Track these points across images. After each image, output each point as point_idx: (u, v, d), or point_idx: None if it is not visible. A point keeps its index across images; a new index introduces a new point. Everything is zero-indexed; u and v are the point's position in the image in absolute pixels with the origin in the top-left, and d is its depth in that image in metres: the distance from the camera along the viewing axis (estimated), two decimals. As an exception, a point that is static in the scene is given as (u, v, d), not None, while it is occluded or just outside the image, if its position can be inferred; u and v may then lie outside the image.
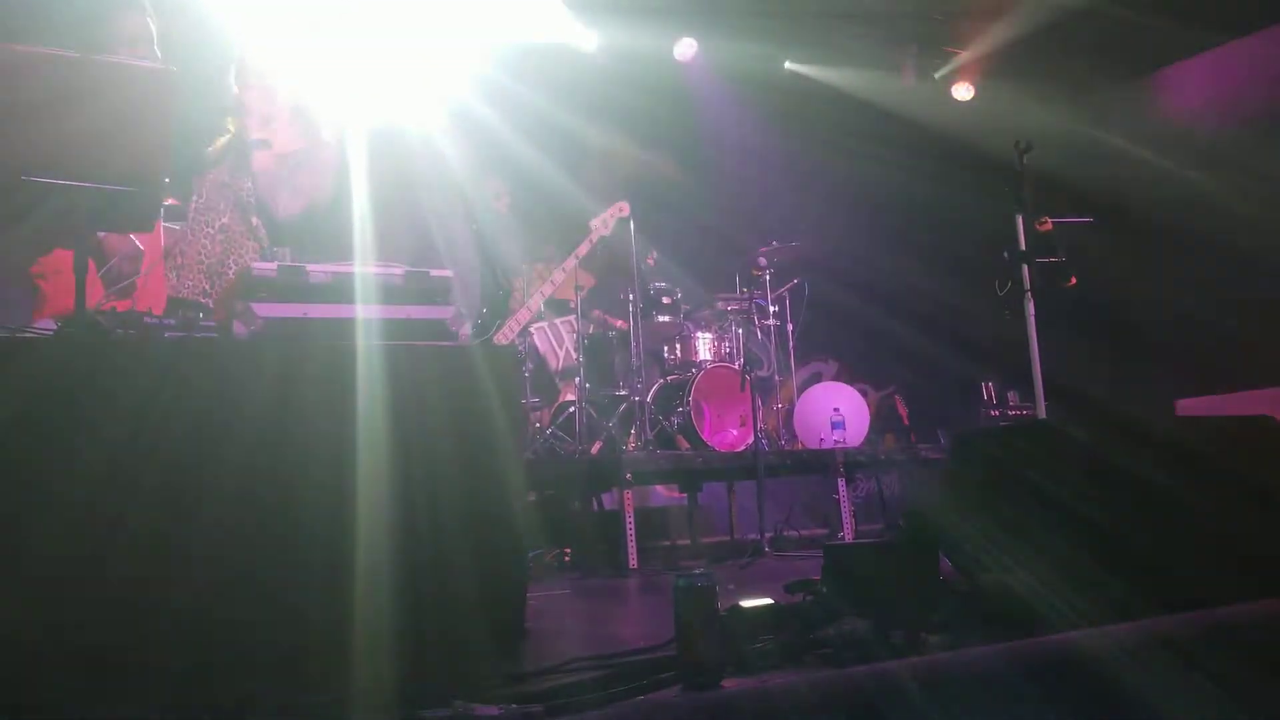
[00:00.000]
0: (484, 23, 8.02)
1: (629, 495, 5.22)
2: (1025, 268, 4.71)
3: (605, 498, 6.49)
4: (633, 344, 6.07)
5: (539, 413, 6.37)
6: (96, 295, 2.89)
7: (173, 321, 2.55)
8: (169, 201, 3.61)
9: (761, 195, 9.03)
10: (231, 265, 3.42)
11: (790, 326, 7.11)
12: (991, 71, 9.35)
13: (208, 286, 3.47)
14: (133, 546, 2.23)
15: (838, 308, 8.28)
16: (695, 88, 9.03)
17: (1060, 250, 4.68)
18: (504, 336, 5.32)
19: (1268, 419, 2.60)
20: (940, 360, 8.98)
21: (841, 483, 5.96)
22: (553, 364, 6.48)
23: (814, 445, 6.69)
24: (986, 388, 7.69)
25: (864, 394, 7.79)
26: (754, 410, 5.83)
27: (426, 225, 5.45)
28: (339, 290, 2.73)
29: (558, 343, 6.52)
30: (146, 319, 2.51)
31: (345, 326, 2.69)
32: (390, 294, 2.79)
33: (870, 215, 9.23)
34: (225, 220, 3.52)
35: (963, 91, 9.58)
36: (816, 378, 8.91)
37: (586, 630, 3.23)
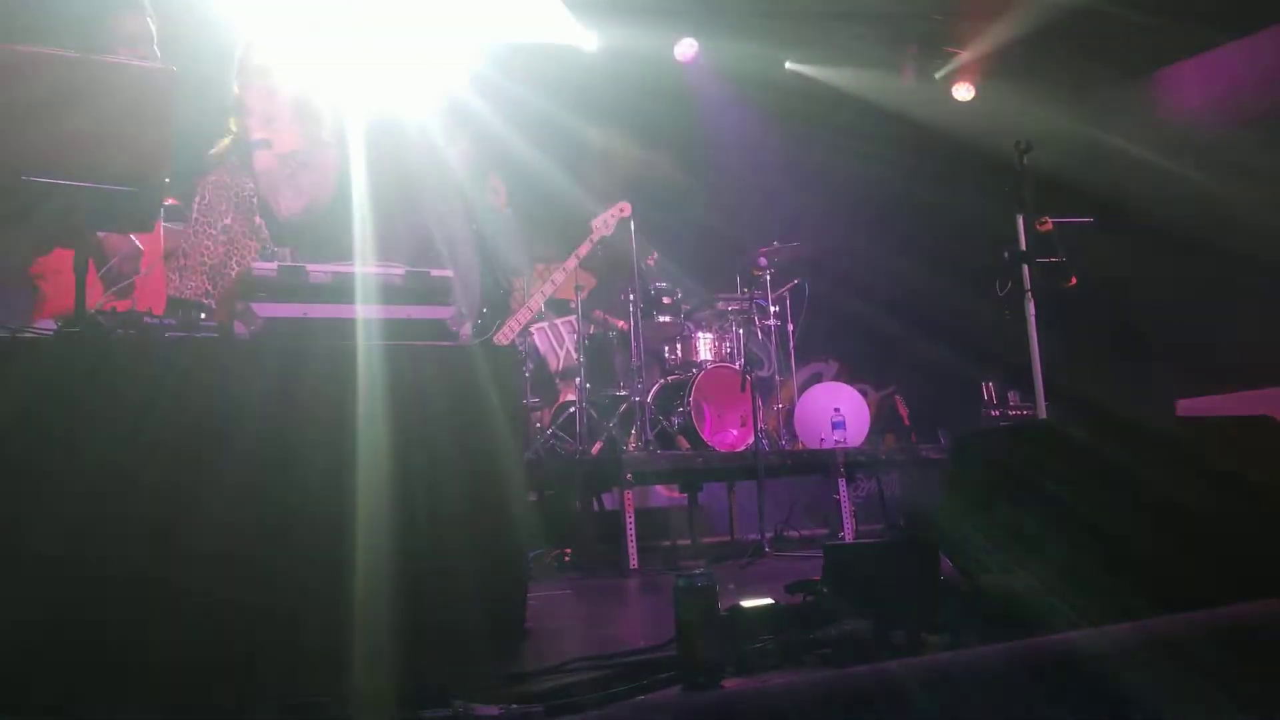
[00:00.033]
0: (484, 23, 8.02)
1: (629, 495, 5.22)
2: (1025, 268, 4.71)
3: (606, 498, 6.50)
4: (633, 344, 6.07)
5: (539, 413, 6.36)
6: (96, 295, 2.89)
7: (173, 321, 2.55)
8: (169, 202, 3.61)
9: (762, 195, 9.03)
10: (234, 266, 3.42)
11: (791, 327, 7.11)
12: (992, 72, 9.35)
13: (210, 287, 3.47)
14: (133, 546, 2.23)
15: (838, 308, 8.28)
16: (696, 88, 9.03)
17: (1060, 250, 4.68)
18: (504, 337, 5.31)
19: (1268, 419, 2.59)
20: (941, 360, 8.98)
21: (842, 483, 5.96)
22: (553, 364, 6.49)
23: (814, 445, 6.69)
24: (987, 388, 7.69)
25: (864, 394, 7.79)
26: (754, 410, 5.83)
27: (426, 225, 5.44)
28: (339, 290, 2.73)
29: (558, 343, 6.52)
30: (147, 319, 2.51)
31: (346, 326, 2.69)
32: (390, 294, 2.79)
33: (871, 215, 9.23)
34: (228, 221, 3.52)
35: (963, 92, 9.58)
36: (817, 378, 8.91)
37: (587, 630, 3.23)
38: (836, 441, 6.49)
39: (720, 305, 7.02)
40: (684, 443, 6.26)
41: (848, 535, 5.86)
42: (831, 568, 2.43)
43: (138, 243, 3.31)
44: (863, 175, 9.30)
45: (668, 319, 6.69)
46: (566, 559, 5.61)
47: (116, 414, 2.27)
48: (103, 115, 2.54)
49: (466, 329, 2.84)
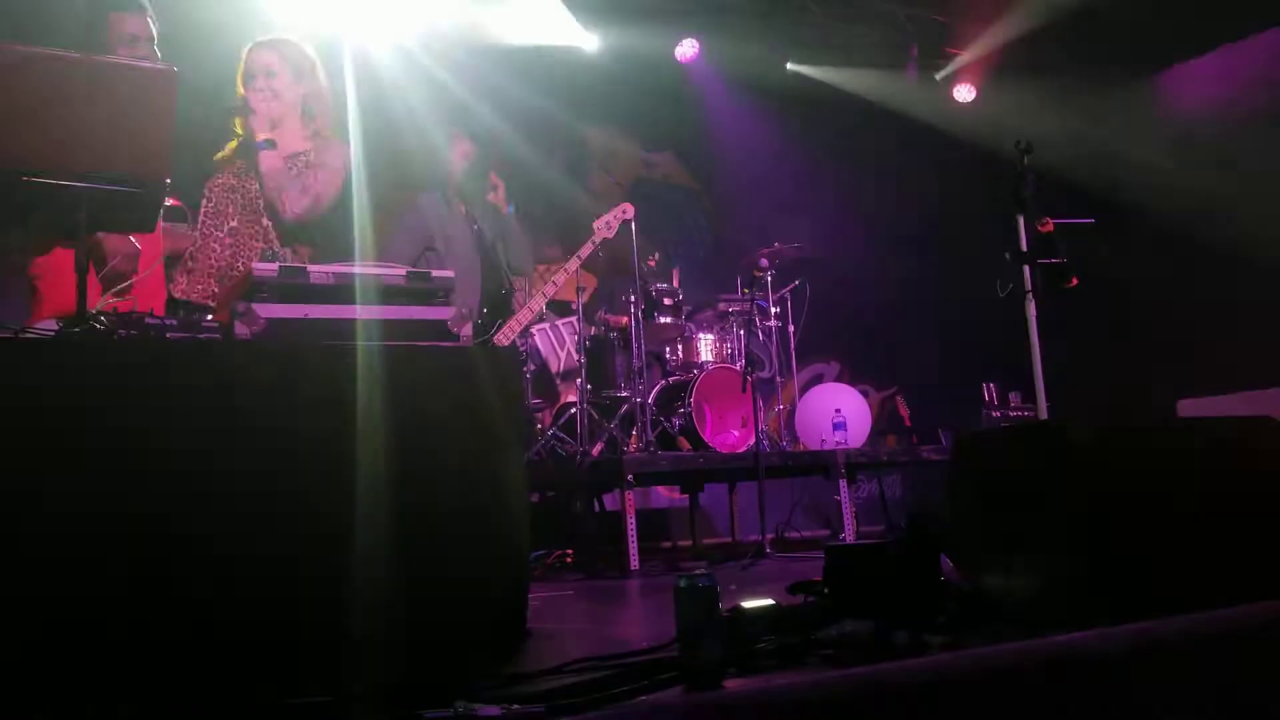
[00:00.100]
0: (485, 24, 8.03)
1: (630, 496, 5.22)
2: (1026, 269, 4.71)
3: (607, 499, 6.50)
4: (634, 345, 6.07)
5: (540, 414, 6.36)
6: (95, 296, 2.89)
7: (174, 322, 2.55)
8: (171, 202, 3.61)
9: (763, 196, 9.03)
10: (241, 267, 3.43)
11: (792, 328, 7.11)
12: (992, 73, 9.36)
13: (217, 289, 3.48)
14: (134, 547, 2.23)
15: (839, 309, 8.29)
16: (697, 88, 9.03)
17: (1061, 251, 4.68)
18: (505, 337, 5.32)
19: (1270, 420, 2.59)
20: (942, 361, 8.99)
21: (843, 484, 5.96)
22: (554, 365, 6.48)
23: (815, 446, 6.69)
24: (988, 389, 7.68)
25: (865, 395, 7.80)
26: (755, 411, 5.83)
27: (427, 225, 5.45)
28: (340, 291, 2.73)
29: (559, 344, 6.52)
30: (148, 319, 2.51)
31: (347, 327, 2.69)
32: (391, 295, 2.79)
33: (872, 216, 9.24)
34: (234, 223, 3.54)
35: (964, 93, 9.59)
36: (818, 379, 8.92)
37: (588, 631, 3.23)
38: (837, 442, 6.49)
39: (721, 306, 7.02)
40: (685, 444, 6.26)
41: (849, 536, 5.86)
42: (833, 569, 2.43)
43: (135, 242, 3.32)
44: (863, 176, 9.31)
45: (669, 320, 6.69)
46: (568, 560, 5.61)
47: (119, 414, 2.27)
48: (103, 115, 2.54)
49: (467, 329, 2.84)
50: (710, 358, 6.59)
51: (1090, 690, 1.70)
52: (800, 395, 7.39)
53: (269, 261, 2.70)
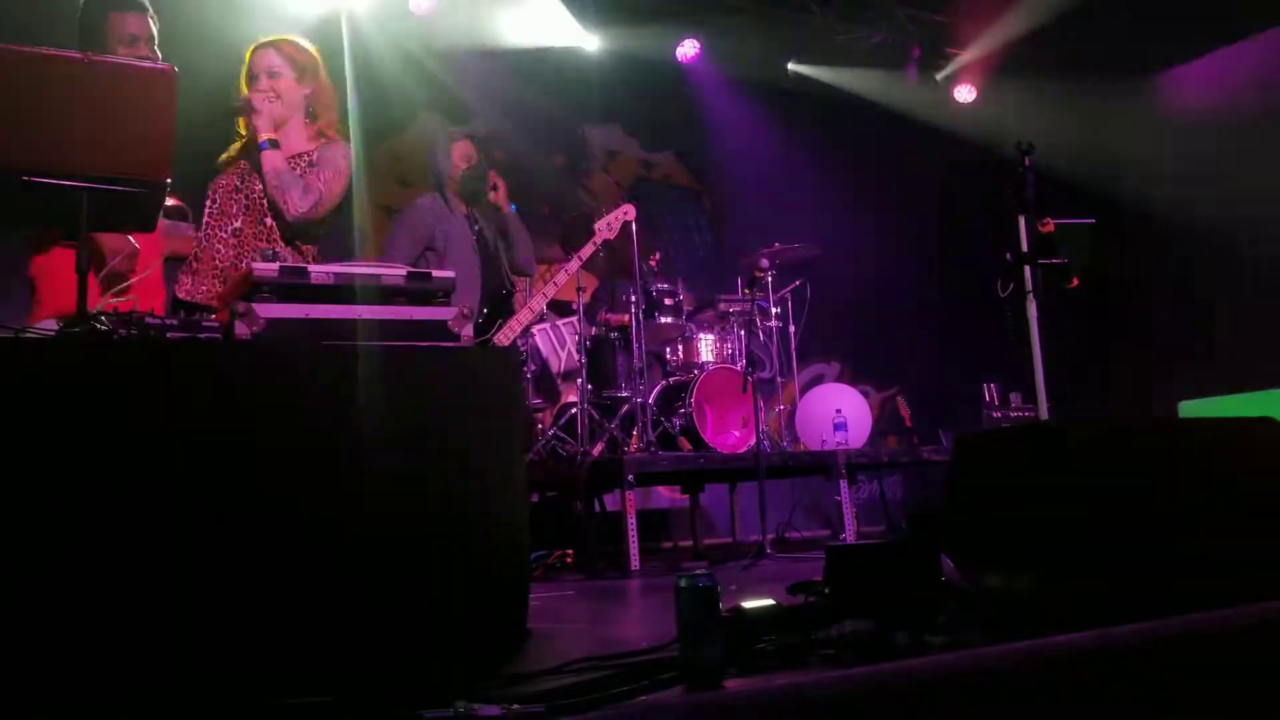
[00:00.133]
0: (486, 24, 8.03)
1: (631, 496, 5.22)
2: (1027, 269, 4.71)
3: (607, 499, 6.50)
4: (635, 345, 6.07)
5: (541, 414, 6.36)
6: (94, 296, 2.89)
7: (175, 322, 2.55)
8: (172, 202, 3.62)
9: (763, 196, 9.03)
10: (243, 268, 3.43)
11: (792, 328, 7.11)
12: (993, 73, 9.36)
13: (221, 291, 3.48)
14: (133, 548, 2.23)
15: (840, 309, 8.29)
16: (697, 88, 9.04)
17: (1062, 252, 4.68)
18: (505, 337, 5.31)
19: (1271, 421, 2.59)
20: (943, 362, 9.00)
21: (843, 484, 5.96)
22: (555, 365, 6.48)
23: (816, 447, 6.69)
24: (989, 389, 7.68)
25: (866, 395, 7.80)
26: (756, 412, 5.84)
27: (427, 225, 5.45)
28: (341, 291, 2.73)
29: (559, 344, 6.52)
30: (148, 319, 2.51)
31: (347, 327, 2.69)
32: (392, 295, 2.79)
33: (872, 216, 9.24)
34: (238, 224, 3.54)
35: (964, 93, 9.60)
36: (819, 379, 8.93)
37: (588, 631, 3.23)
38: (838, 443, 6.49)
39: (722, 306, 7.02)
40: (685, 444, 6.26)
41: (849, 536, 5.86)
42: (833, 569, 2.43)
43: (134, 243, 3.31)
44: (864, 176, 9.31)
45: (669, 320, 6.69)
46: (568, 560, 5.61)
47: (120, 414, 2.27)
48: (104, 115, 2.54)
49: (468, 330, 2.84)
50: (711, 358, 6.60)
51: (1091, 690, 1.70)
52: (801, 396, 7.39)
53: (269, 261, 2.70)
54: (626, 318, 6.25)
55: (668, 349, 6.74)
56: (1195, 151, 8.76)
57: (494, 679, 1.99)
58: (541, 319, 6.15)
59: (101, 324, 2.48)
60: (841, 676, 1.60)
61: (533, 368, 6.19)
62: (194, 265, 3.55)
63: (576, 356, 6.07)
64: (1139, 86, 9.44)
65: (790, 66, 9.32)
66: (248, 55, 3.65)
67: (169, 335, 2.52)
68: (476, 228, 5.55)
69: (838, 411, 6.72)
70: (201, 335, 2.56)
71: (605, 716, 1.57)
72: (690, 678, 1.81)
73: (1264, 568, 2.28)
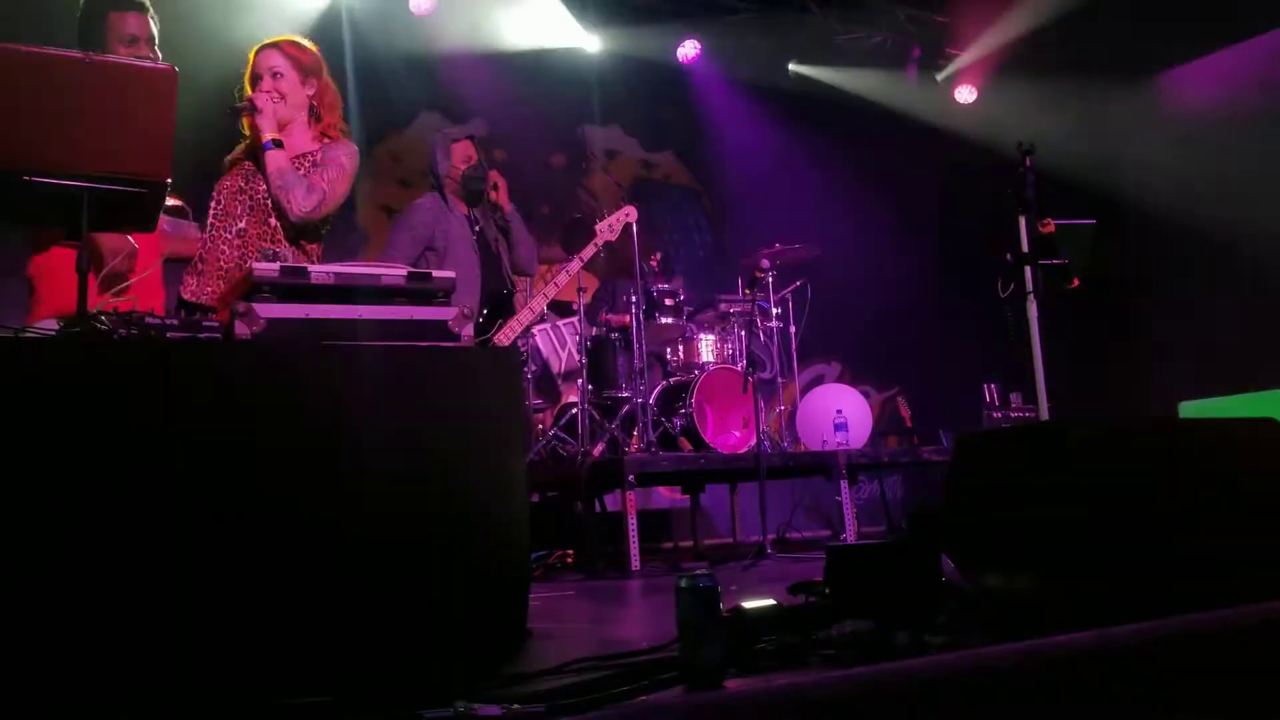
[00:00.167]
0: (488, 25, 8.04)
1: (631, 497, 5.22)
2: (1028, 269, 4.70)
3: (608, 499, 6.50)
4: (635, 346, 6.07)
5: (542, 414, 6.37)
6: (93, 296, 2.89)
7: (175, 322, 2.55)
8: (172, 202, 3.61)
9: (763, 196, 9.04)
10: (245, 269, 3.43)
11: (793, 328, 7.11)
12: (994, 73, 9.36)
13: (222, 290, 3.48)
14: (134, 548, 2.23)
15: (841, 310, 8.29)
16: (698, 88, 9.04)
17: (1063, 252, 4.67)
18: (505, 337, 5.31)
19: (1272, 421, 2.59)
20: (943, 362, 9.00)
21: (844, 484, 5.96)
22: (555, 366, 6.49)
23: (816, 447, 6.69)
24: (989, 390, 7.68)
25: (867, 396, 7.80)
26: (756, 412, 5.83)
27: (427, 225, 5.44)
28: (341, 291, 2.73)
29: (560, 344, 6.52)
30: (148, 319, 2.51)
31: (348, 327, 2.69)
32: (392, 295, 2.79)
33: (873, 217, 9.24)
34: (243, 225, 3.54)
35: (965, 94, 9.60)
36: (819, 379, 8.93)
37: (589, 631, 3.23)
38: (839, 443, 6.49)
39: (723, 307, 7.02)
40: (686, 444, 6.27)
41: (850, 537, 5.86)
42: (834, 569, 2.43)
43: (133, 242, 3.31)
44: (865, 176, 9.32)
45: (670, 320, 6.69)
46: (568, 560, 5.61)
47: (122, 414, 2.27)
48: (104, 115, 2.54)
49: (468, 330, 2.84)
50: (711, 358, 6.60)
51: (1091, 690, 1.70)
52: (801, 396, 7.39)
53: (270, 261, 2.70)
54: (628, 319, 6.25)
55: (668, 349, 6.74)
56: (1196, 152, 8.76)
57: (494, 679, 1.99)
58: (542, 319, 6.15)
59: (102, 324, 2.48)
60: (842, 676, 1.60)
61: (533, 368, 6.20)
62: (199, 266, 3.56)
63: (577, 357, 6.07)
64: (1140, 87, 9.44)
65: (791, 67, 9.33)
66: (251, 56, 3.65)
67: (169, 335, 2.52)
68: (477, 228, 5.55)
69: (838, 412, 6.72)
70: (202, 335, 2.56)
71: (605, 716, 1.57)
72: (690, 678, 1.81)
73: (1264, 568, 2.28)
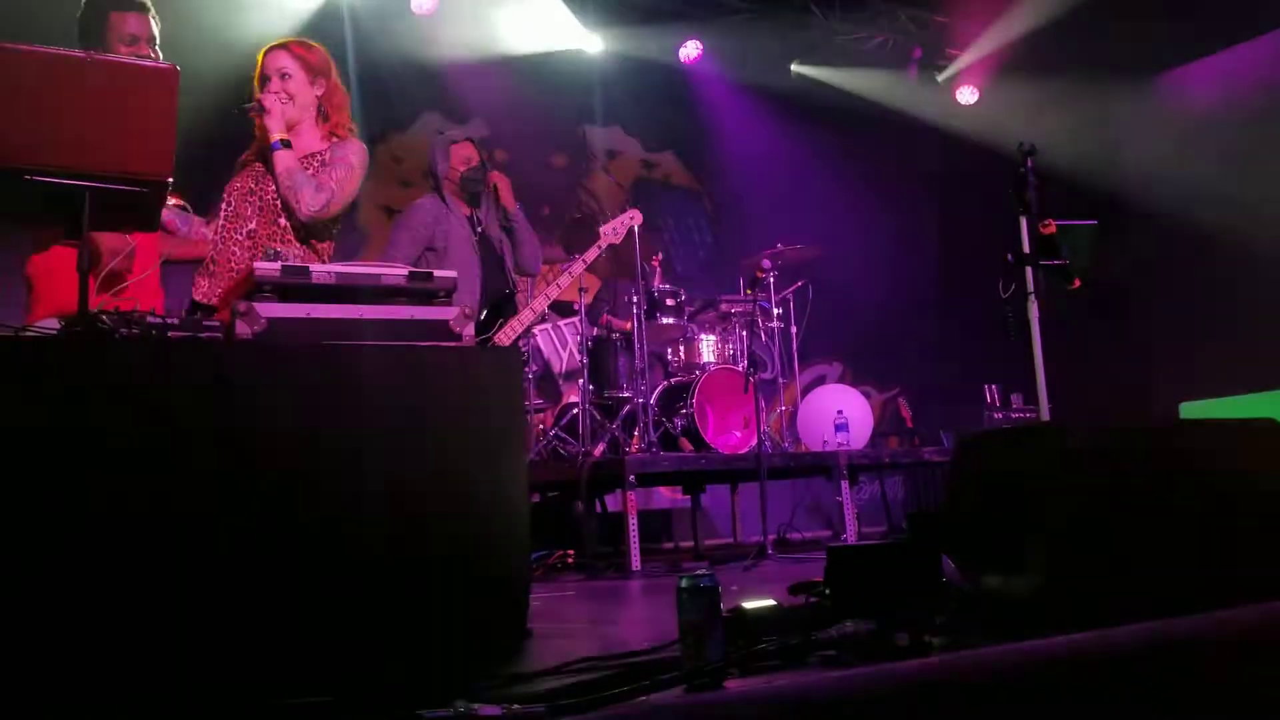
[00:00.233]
0: (489, 25, 8.04)
1: (632, 497, 5.22)
2: (1028, 270, 4.70)
3: (608, 499, 6.50)
4: (636, 346, 6.07)
5: (542, 415, 6.37)
6: (92, 295, 2.89)
7: (176, 321, 2.55)
8: (173, 201, 3.62)
9: (764, 197, 9.04)
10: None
11: (794, 329, 7.11)
12: (995, 74, 9.36)
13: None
14: (134, 548, 2.23)
15: (842, 310, 8.30)
16: (699, 89, 9.04)
17: (1064, 253, 4.67)
18: (505, 337, 5.32)
19: (1273, 422, 2.59)
20: (944, 363, 9.00)
21: (845, 485, 5.95)
22: (556, 366, 6.49)
23: (817, 447, 6.69)
24: (990, 390, 7.69)
25: (867, 396, 7.81)
26: (757, 412, 5.83)
27: (428, 225, 5.45)
28: (342, 291, 2.74)
29: (561, 345, 6.52)
30: (149, 319, 2.51)
31: (349, 327, 2.69)
32: (393, 294, 2.79)
33: (874, 217, 9.24)
34: (253, 226, 3.55)
35: (966, 94, 9.60)
36: (820, 380, 8.93)
37: (589, 631, 3.23)
38: (839, 444, 6.49)
39: (724, 307, 7.02)
40: (687, 444, 6.26)
41: (850, 537, 5.86)
42: (834, 569, 2.43)
43: (130, 240, 3.31)
44: (866, 177, 9.32)
45: (671, 321, 6.69)
46: (569, 560, 5.61)
47: (124, 414, 2.28)
48: (106, 114, 2.54)
49: (469, 330, 2.84)
50: (712, 359, 6.60)
51: (1091, 691, 1.70)
52: (802, 396, 7.39)
53: (271, 261, 2.70)
54: (629, 325, 6.26)
55: (669, 349, 6.74)
56: (1197, 152, 8.75)
57: (494, 679, 1.99)
58: (543, 319, 6.15)
59: (103, 323, 2.48)
60: (842, 677, 1.60)
61: (535, 368, 6.20)
62: (211, 268, 3.56)
63: (578, 357, 6.07)
64: (1141, 87, 9.43)
65: (793, 68, 9.33)
66: (260, 58, 3.66)
67: (170, 335, 2.52)
68: (479, 228, 5.55)
69: (839, 412, 6.72)
70: (203, 335, 2.56)
71: (606, 717, 1.57)
72: (691, 678, 1.81)
73: (1264, 568, 2.27)
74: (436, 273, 2.88)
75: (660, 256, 7.26)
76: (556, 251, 7.83)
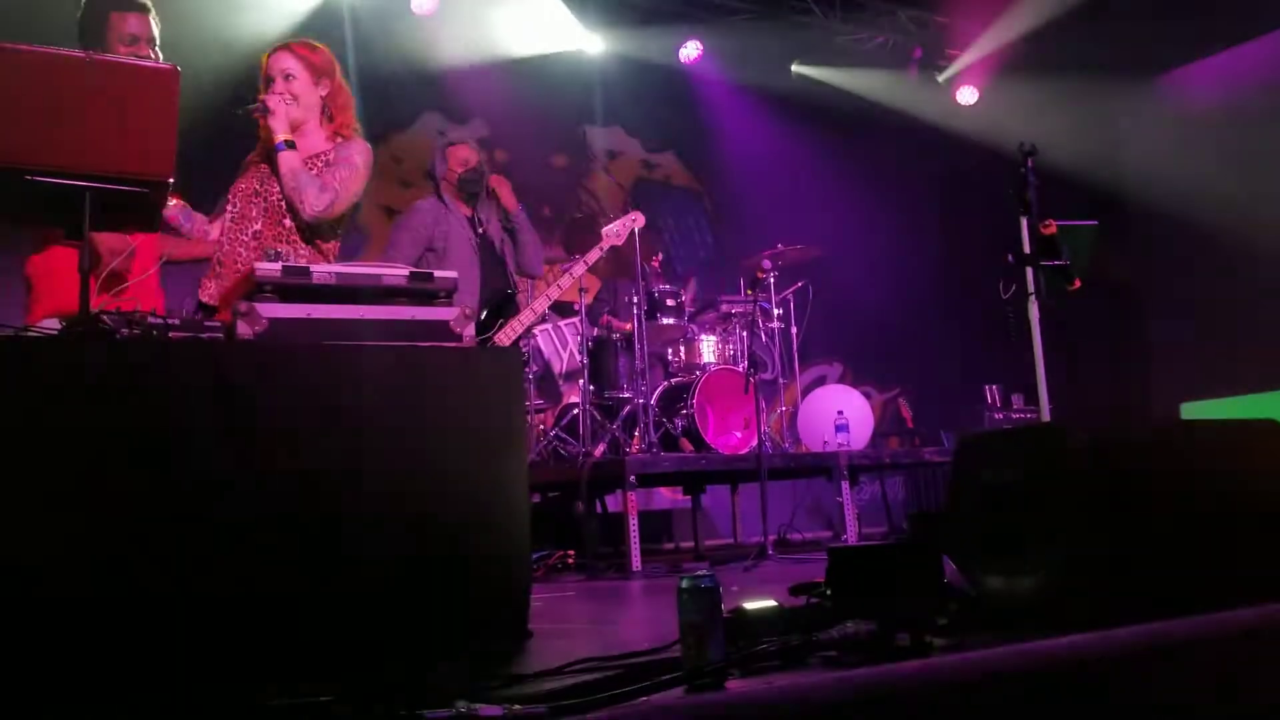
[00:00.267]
0: (490, 26, 8.04)
1: (632, 497, 5.22)
2: (1029, 271, 4.70)
3: (609, 500, 6.50)
4: (637, 346, 6.07)
5: (543, 415, 6.37)
6: (92, 295, 2.89)
7: (177, 322, 2.56)
8: (173, 202, 3.62)
9: (765, 197, 9.04)
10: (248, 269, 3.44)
11: (795, 329, 7.11)
12: (995, 74, 9.36)
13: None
14: (134, 547, 2.23)
15: (843, 311, 8.30)
16: (699, 89, 9.04)
17: (1064, 253, 4.67)
18: (506, 338, 5.32)
19: (1271, 423, 2.59)
20: (945, 363, 9.00)
21: (845, 485, 5.95)
22: (557, 366, 6.49)
23: (818, 448, 6.69)
24: (991, 391, 7.69)
25: (868, 397, 7.80)
26: (758, 413, 5.83)
27: (428, 226, 5.45)
28: (343, 291, 2.74)
29: (561, 345, 6.52)
30: (150, 319, 2.51)
31: (349, 327, 2.69)
32: (394, 295, 2.79)
33: (874, 217, 9.24)
34: (258, 227, 3.55)
35: (967, 94, 9.60)
36: (821, 380, 8.93)
37: (590, 632, 3.23)
38: (840, 444, 6.48)
39: (724, 308, 7.02)
40: (687, 445, 6.27)
41: (851, 538, 5.86)
42: (835, 570, 2.43)
43: (129, 240, 3.31)
44: (867, 177, 9.32)
45: (671, 321, 6.69)
46: (569, 561, 5.61)
47: (123, 413, 2.28)
48: (107, 114, 2.54)
49: (470, 330, 2.84)
50: (713, 359, 6.60)
51: (1092, 692, 1.70)
52: (803, 397, 7.39)
53: (272, 261, 2.70)
54: (629, 326, 6.26)
55: (670, 350, 6.74)
56: (1198, 153, 8.76)
57: (495, 679, 1.99)
58: (544, 320, 6.15)
59: (104, 324, 2.48)
60: (843, 678, 1.60)
61: (535, 369, 6.20)
62: (217, 269, 3.57)
63: (579, 357, 6.07)
64: (1142, 88, 9.44)
65: (793, 68, 9.33)
66: (264, 59, 3.66)
67: (171, 335, 2.52)
68: (480, 229, 5.55)
69: (839, 413, 6.71)
70: (204, 335, 2.57)
71: (606, 717, 1.57)
72: (692, 679, 1.80)
73: (1264, 568, 2.27)
74: (437, 273, 2.88)
75: (660, 257, 7.26)
76: (557, 251, 7.83)
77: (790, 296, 7.10)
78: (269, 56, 3.65)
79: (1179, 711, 1.74)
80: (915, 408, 8.97)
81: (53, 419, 2.21)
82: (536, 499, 6.04)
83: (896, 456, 6.91)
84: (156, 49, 3.68)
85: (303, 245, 3.54)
